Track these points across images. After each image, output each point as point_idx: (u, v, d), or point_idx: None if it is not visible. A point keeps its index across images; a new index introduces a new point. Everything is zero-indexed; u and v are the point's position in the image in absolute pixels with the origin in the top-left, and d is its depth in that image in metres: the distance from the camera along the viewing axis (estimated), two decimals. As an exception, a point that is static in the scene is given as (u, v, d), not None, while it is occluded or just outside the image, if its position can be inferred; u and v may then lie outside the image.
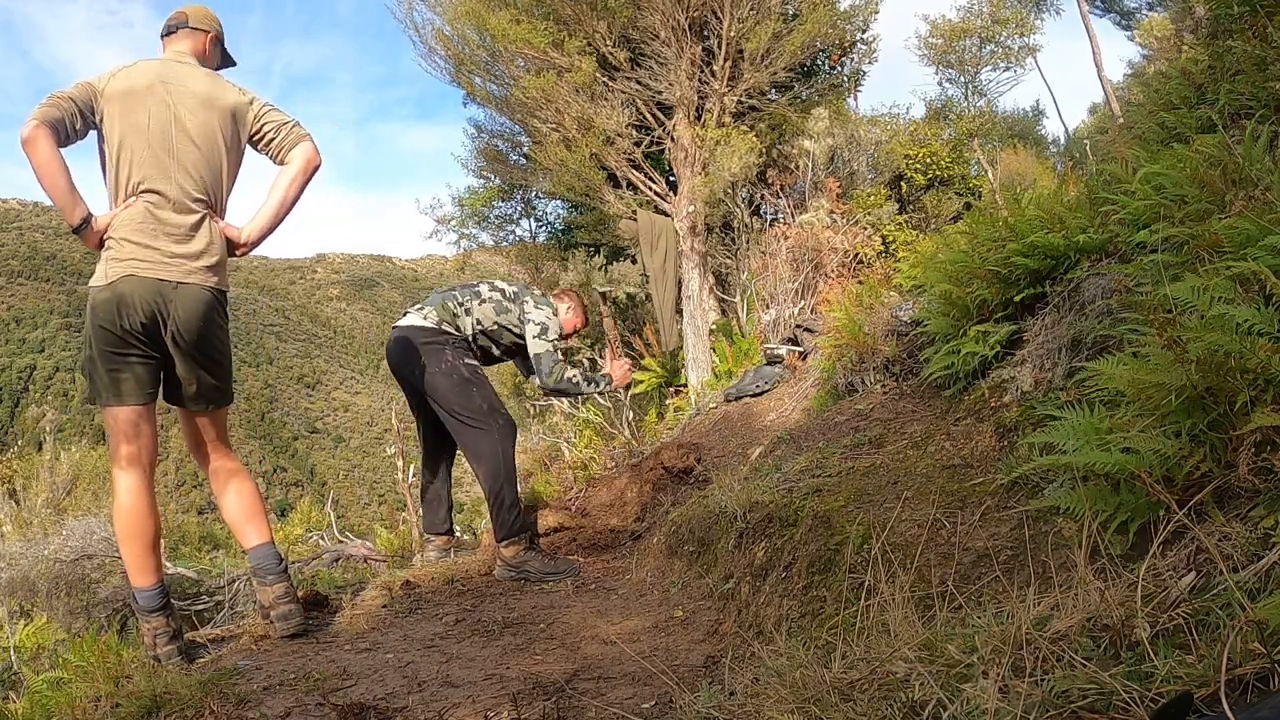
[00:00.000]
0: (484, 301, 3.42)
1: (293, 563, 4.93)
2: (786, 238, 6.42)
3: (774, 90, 7.31)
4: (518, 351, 3.57)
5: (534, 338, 3.38)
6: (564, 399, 3.65)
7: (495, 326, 3.43)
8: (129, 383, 2.28)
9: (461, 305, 3.39)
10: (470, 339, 3.39)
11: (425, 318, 3.34)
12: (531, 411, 7.53)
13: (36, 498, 6.81)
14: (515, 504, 3.22)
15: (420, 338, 3.29)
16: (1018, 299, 2.52)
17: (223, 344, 2.40)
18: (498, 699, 1.81)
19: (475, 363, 3.35)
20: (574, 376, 3.40)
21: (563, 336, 3.58)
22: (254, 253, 2.56)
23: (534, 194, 8.78)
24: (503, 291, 3.47)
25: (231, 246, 2.42)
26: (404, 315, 3.42)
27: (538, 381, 3.47)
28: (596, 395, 3.56)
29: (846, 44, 7.62)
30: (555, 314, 3.47)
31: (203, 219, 2.33)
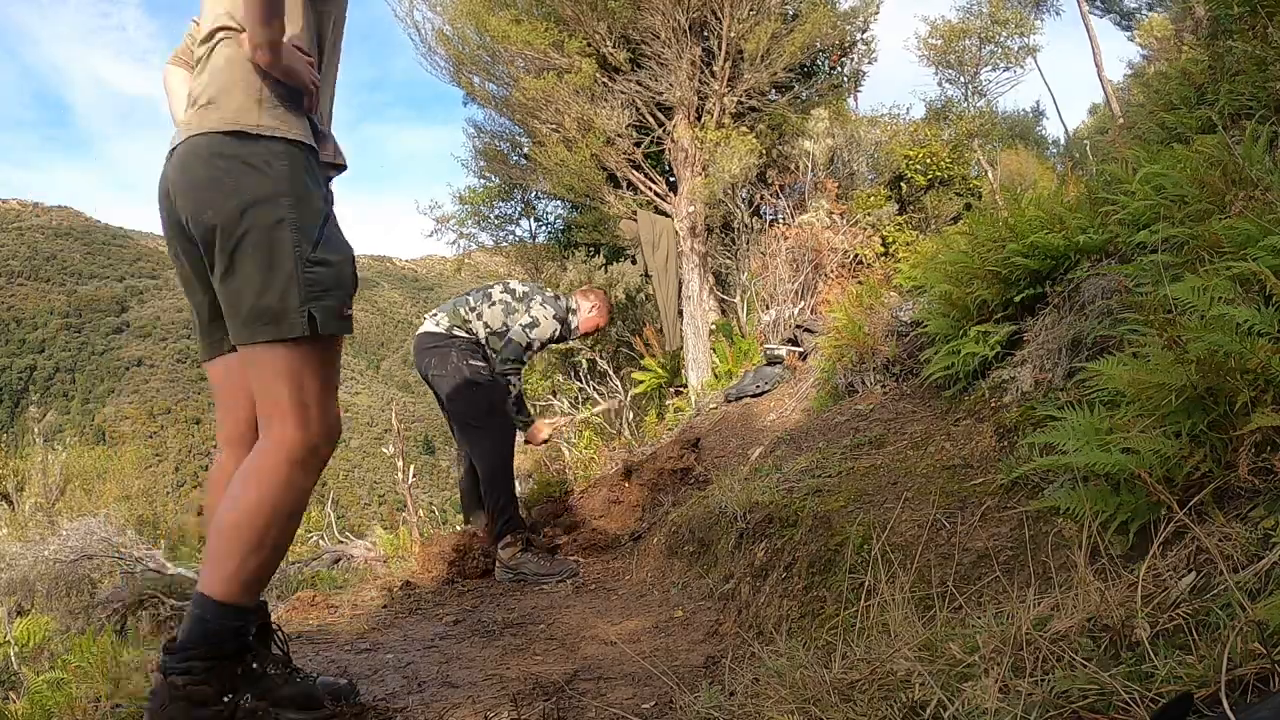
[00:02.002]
0: (494, 304, 3.47)
1: (292, 563, 4.93)
2: (786, 238, 6.41)
3: (774, 91, 7.31)
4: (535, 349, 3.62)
5: (520, 325, 3.42)
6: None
7: (504, 328, 3.47)
8: (195, 326, 1.71)
9: (473, 310, 3.45)
10: (483, 342, 3.44)
11: (438, 324, 3.42)
12: (531, 412, 7.52)
13: (27, 501, 6.81)
14: (508, 506, 3.25)
15: (429, 342, 3.38)
16: (1018, 299, 2.52)
17: (246, 219, 1.44)
18: (498, 699, 1.81)
19: (481, 363, 3.39)
20: (515, 389, 3.41)
21: (584, 334, 3.68)
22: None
23: (534, 194, 8.77)
24: (513, 293, 3.52)
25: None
26: (423, 322, 3.50)
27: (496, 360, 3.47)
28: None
29: (846, 44, 7.62)
30: (558, 316, 3.50)
31: (214, 48, 1.54)
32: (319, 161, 1.58)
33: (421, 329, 3.45)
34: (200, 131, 1.48)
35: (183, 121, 1.54)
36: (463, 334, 3.40)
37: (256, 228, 1.44)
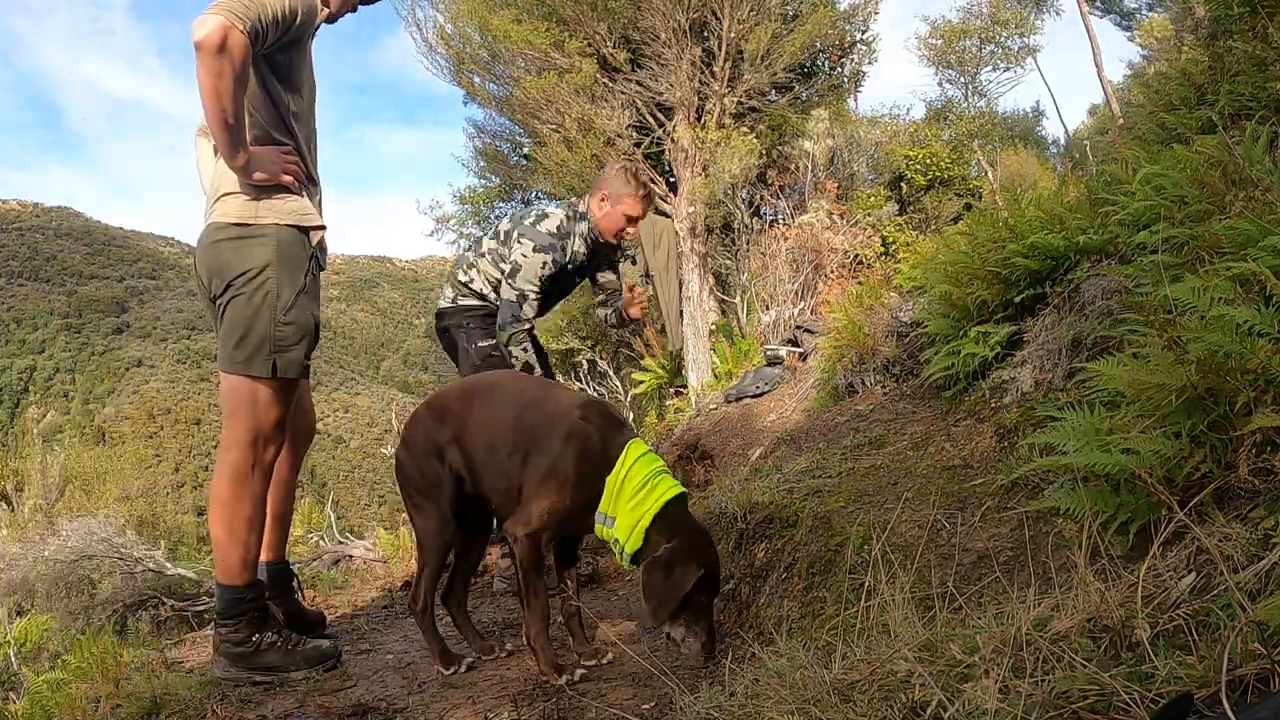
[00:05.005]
0: (484, 254, 2.97)
1: (292, 564, 4.92)
2: (786, 239, 6.42)
3: (774, 91, 7.32)
4: (559, 281, 3.02)
5: (505, 279, 2.87)
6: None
7: (499, 280, 2.95)
8: None
9: (473, 266, 2.98)
10: (491, 300, 3.00)
11: (445, 299, 3.07)
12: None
13: (27, 501, 6.82)
14: None
15: (441, 321, 3.06)
16: (1018, 300, 2.52)
17: (223, 280, 1.99)
18: (498, 699, 1.81)
19: (489, 341, 2.97)
20: (522, 361, 2.86)
21: (618, 237, 2.97)
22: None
23: (534, 194, 8.78)
24: (499, 236, 2.97)
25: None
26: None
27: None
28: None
29: (846, 44, 7.63)
30: (541, 246, 2.83)
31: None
32: (307, 231, 2.07)
33: (438, 306, 3.10)
34: (213, 221, 2.02)
35: (206, 206, 2.06)
36: (471, 301, 2.99)
37: (245, 293, 1.97)
